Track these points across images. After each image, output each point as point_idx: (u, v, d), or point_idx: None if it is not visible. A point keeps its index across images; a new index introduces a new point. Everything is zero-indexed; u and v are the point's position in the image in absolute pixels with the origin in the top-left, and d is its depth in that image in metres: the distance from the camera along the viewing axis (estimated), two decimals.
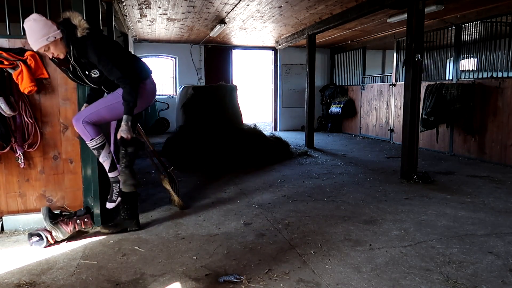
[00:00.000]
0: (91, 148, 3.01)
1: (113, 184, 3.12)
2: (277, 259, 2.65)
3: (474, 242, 2.94)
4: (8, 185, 3.25)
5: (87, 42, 2.66)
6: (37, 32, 2.56)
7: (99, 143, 2.98)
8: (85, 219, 3.14)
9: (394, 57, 8.76)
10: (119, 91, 2.92)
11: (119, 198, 3.14)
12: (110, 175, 3.12)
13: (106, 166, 3.06)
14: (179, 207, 3.81)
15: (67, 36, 2.63)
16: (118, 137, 2.85)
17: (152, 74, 3.14)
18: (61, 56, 2.72)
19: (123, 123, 2.83)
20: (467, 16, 6.74)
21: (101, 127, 3.04)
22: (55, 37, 2.61)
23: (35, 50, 2.66)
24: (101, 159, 3.04)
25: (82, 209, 3.23)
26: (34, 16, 2.59)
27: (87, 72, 2.82)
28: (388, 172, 5.58)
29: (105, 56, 2.70)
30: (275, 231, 3.20)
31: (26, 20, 2.59)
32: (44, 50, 2.66)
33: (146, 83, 3.04)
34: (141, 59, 3.18)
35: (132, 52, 9.24)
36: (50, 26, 2.59)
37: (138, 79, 2.93)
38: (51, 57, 2.75)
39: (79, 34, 2.63)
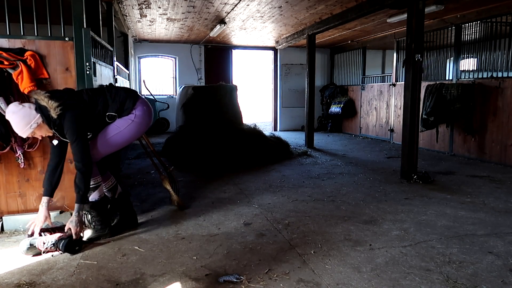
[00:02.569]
0: None
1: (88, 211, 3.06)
2: (277, 259, 2.65)
3: (474, 242, 2.94)
4: (8, 185, 3.25)
5: (62, 121, 2.69)
6: (19, 123, 2.62)
7: (94, 184, 2.99)
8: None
9: (394, 57, 8.76)
10: (129, 116, 2.95)
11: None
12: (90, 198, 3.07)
13: (91, 199, 3.04)
14: (179, 207, 3.81)
15: (46, 120, 2.68)
16: (66, 229, 2.79)
17: (139, 101, 3.03)
18: (50, 134, 2.80)
19: (74, 214, 2.77)
20: (467, 16, 6.73)
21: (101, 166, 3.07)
22: (37, 123, 2.66)
23: (24, 137, 2.75)
24: (90, 199, 3.03)
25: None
26: (11, 108, 2.65)
27: None
28: (388, 172, 5.58)
29: (72, 131, 2.70)
30: (275, 231, 3.20)
31: (6, 112, 2.68)
32: (33, 135, 2.73)
33: (136, 110, 2.98)
34: (127, 89, 3.15)
35: (132, 52, 9.25)
36: (29, 113, 2.63)
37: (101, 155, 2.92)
38: (40, 138, 2.88)
39: (54, 115, 2.65)
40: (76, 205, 2.78)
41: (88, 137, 2.88)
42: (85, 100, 2.84)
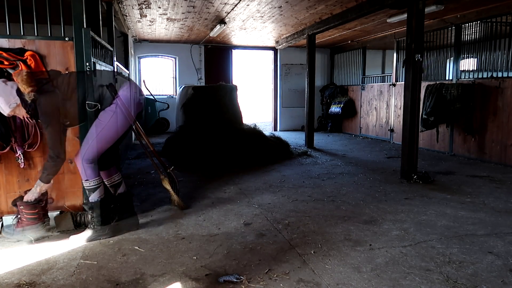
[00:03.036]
0: (84, 187, 3.01)
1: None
2: (277, 259, 2.65)
3: (474, 242, 2.94)
4: (8, 185, 3.24)
5: (36, 105, 2.71)
6: (1, 99, 2.67)
7: (93, 185, 2.98)
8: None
9: (394, 57, 8.76)
10: (111, 107, 2.90)
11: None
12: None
13: (91, 199, 3.01)
14: (179, 207, 3.81)
15: (23, 103, 2.71)
16: (24, 197, 2.92)
17: (123, 88, 2.99)
18: (29, 116, 2.81)
19: (34, 186, 2.90)
20: (467, 16, 6.73)
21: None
22: (16, 103, 2.70)
23: (5, 114, 2.77)
24: (90, 199, 3.02)
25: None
26: None
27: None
28: (388, 172, 5.58)
29: (44, 117, 2.72)
30: (275, 231, 3.20)
31: None
32: (14, 114, 2.78)
33: (118, 98, 2.93)
34: (115, 73, 3.11)
35: (132, 52, 9.25)
36: (9, 92, 2.68)
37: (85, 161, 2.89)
38: (22, 118, 2.92)
39: (28, 99, 2.67)
40: (38, 181, 2.88)
41: (67, 123, 2.86)
42: (64, 87, 2.81)
